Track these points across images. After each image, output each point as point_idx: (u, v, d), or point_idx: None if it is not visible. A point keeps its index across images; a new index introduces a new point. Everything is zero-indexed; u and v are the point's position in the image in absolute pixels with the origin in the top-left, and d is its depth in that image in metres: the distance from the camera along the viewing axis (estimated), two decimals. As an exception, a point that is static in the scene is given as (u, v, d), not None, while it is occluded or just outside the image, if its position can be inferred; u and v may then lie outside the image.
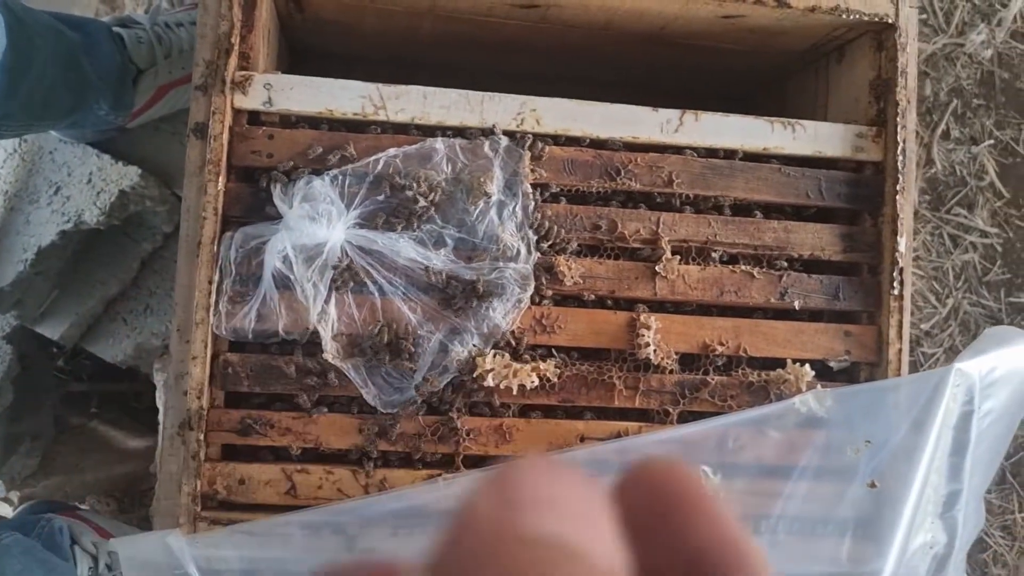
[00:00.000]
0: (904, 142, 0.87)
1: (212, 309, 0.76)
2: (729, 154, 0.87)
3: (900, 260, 0.85)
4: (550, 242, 0.82)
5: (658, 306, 0.85)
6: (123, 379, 1.38)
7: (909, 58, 0.88)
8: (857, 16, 0.87)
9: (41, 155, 1.17)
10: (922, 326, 1.67)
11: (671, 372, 0.83)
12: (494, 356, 0.78)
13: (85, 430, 1.33)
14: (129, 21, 1.09)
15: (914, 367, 1.65)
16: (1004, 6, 1.75)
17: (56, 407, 1.30)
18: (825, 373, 0.87)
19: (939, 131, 1.73)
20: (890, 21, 0.88)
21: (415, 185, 0.79)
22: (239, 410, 0.78)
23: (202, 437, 0.76)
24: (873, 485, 0.79)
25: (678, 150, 0.86)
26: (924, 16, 1.74)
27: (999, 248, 1.73)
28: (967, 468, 0.82)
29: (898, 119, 0.87)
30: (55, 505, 1.19)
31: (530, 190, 0.81)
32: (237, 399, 0.80)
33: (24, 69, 0.86)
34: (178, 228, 0.81)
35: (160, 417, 1.18)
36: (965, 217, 1.73)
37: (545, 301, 0.82)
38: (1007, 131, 1.75)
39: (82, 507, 1.24)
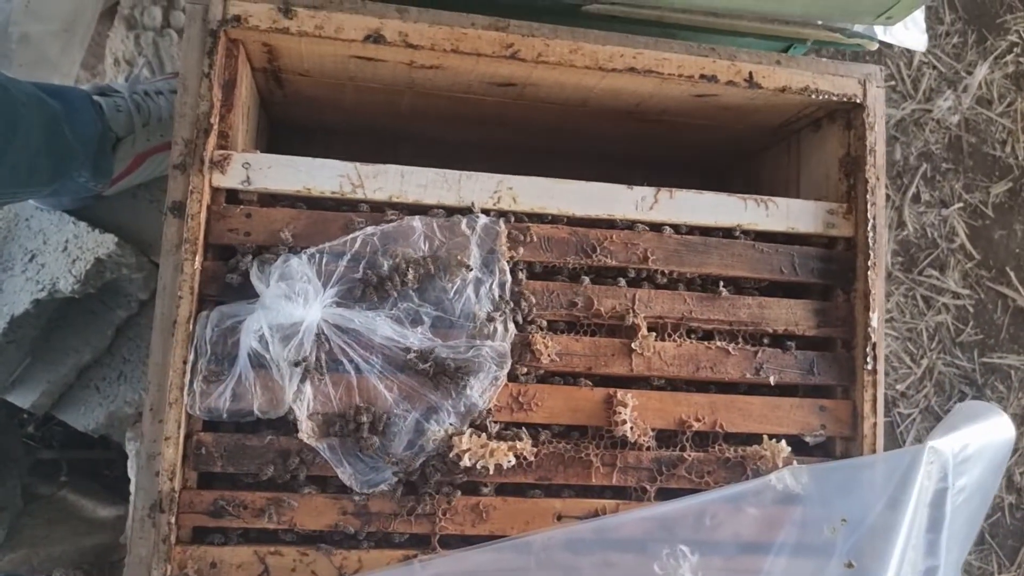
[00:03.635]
0: (874, 219, 0.88)
1: (186, 389, 0.76)
2: (704, 231, 0.88)
3: (873, 335, 0.86)
4: (527, 319, 0.82)
5: (634, 382, 0.85)
6: (94, 446, 1.35)
7: (878, 137, 0.90)
8: (826, 96, 0.89)
9: (17, 222, 1.16)
10: (898, 387, 1.68)
11: (648, 449, 0.83)
12: (470, 436, 0.78)
13: (54, 500, 1.30)
14: (108, 90, 1.09)
15: (890, 428, 1.66)
16: (969, 73, 1.80)
17: (24, 476, 1.28)
18: (801, 447, 0.87)
19: (910, 194, 1.76)
20: (858, 101, 0.90)
21: (393, 263, 0.79)
22: (212, 491, 0.77)
23: (173, 520, 0.75)
24: (850, 565, 0.78)
25: (653, 227, 0.87)
26: (893, 83, 1.79)
27: (971, 309, 1.76)
28: (943, 544, 0.82)
29: (868, 196, 0.88)
30: (21, 579, 1.16)
31: (507, 267, 0.82)
32: (210, 479, 0.79)
33: (10, 137, 0.86)
34: (154, 295, 0.80)
35: (132, 487, 1.16)
36: (937, 279, 1.75)
37: (522, 378, 0.82)
38: (975, 194, 1.79)
39: (49, 580, 1.21)
